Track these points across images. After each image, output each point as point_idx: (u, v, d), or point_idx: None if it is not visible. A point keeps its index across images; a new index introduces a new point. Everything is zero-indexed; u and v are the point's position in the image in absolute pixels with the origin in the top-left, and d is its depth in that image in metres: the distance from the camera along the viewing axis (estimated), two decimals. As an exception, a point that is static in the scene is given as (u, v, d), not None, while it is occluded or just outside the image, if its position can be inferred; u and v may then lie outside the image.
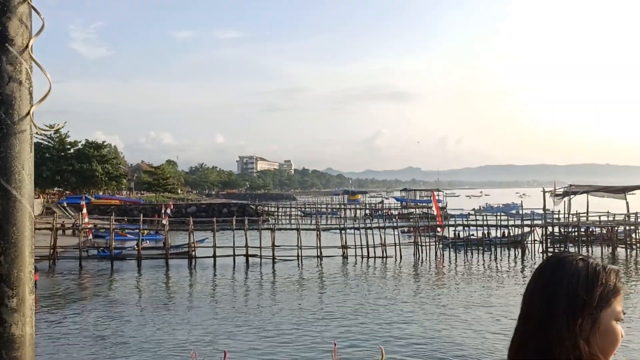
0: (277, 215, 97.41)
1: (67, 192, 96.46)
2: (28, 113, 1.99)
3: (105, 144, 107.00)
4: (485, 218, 56.93)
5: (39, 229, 42.86)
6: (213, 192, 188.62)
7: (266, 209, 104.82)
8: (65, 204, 77.27)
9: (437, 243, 49.91)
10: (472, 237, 52.22)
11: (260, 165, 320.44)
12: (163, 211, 57.83)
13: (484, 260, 46.55)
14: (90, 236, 53.36)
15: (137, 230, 49.14)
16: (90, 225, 52.57)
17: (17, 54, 1.94)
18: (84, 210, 53.56)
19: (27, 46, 1.97)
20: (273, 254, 44.64)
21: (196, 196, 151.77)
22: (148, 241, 52.38)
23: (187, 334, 23.77)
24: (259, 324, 25.32)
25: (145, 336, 23.41)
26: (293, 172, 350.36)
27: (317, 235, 46.37)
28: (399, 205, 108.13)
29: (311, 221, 72.98)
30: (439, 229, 54.28)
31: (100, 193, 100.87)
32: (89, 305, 30.22)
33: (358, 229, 48.55)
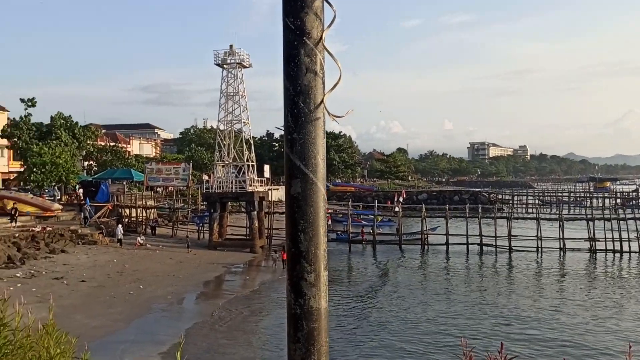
0: (512, 204, 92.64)
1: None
2: (322, 101, 2.12)
3: (341, 134, 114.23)
4: None
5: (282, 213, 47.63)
6: (443, 180, 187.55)
7: (500, 197, 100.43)
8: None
9: None
10: None
11: (493, 152, 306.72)
12: (396, 199, 59.46)
13: None
14: (330, 221, 57.56)
15: (372, 216, 51.56)
16: (330, 211, 56.63)
17: (313, 46, 2.07)
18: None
19: (321, 38, 2.09)
20: (510, 243, 42.56)
21: (426, 183, 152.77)
22: (381, 228, 54.33)
23: (440, 319, 24.15)
24: (518, 318, 24.47)
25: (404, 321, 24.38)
26: (529, 158, 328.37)
27: (559, 225, 42.84)
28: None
29: (552, 210, 67.72)
30: None
31: (337, 180, 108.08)
32: (336, 284, 32.54)
33: (609, 219, 43.40)
